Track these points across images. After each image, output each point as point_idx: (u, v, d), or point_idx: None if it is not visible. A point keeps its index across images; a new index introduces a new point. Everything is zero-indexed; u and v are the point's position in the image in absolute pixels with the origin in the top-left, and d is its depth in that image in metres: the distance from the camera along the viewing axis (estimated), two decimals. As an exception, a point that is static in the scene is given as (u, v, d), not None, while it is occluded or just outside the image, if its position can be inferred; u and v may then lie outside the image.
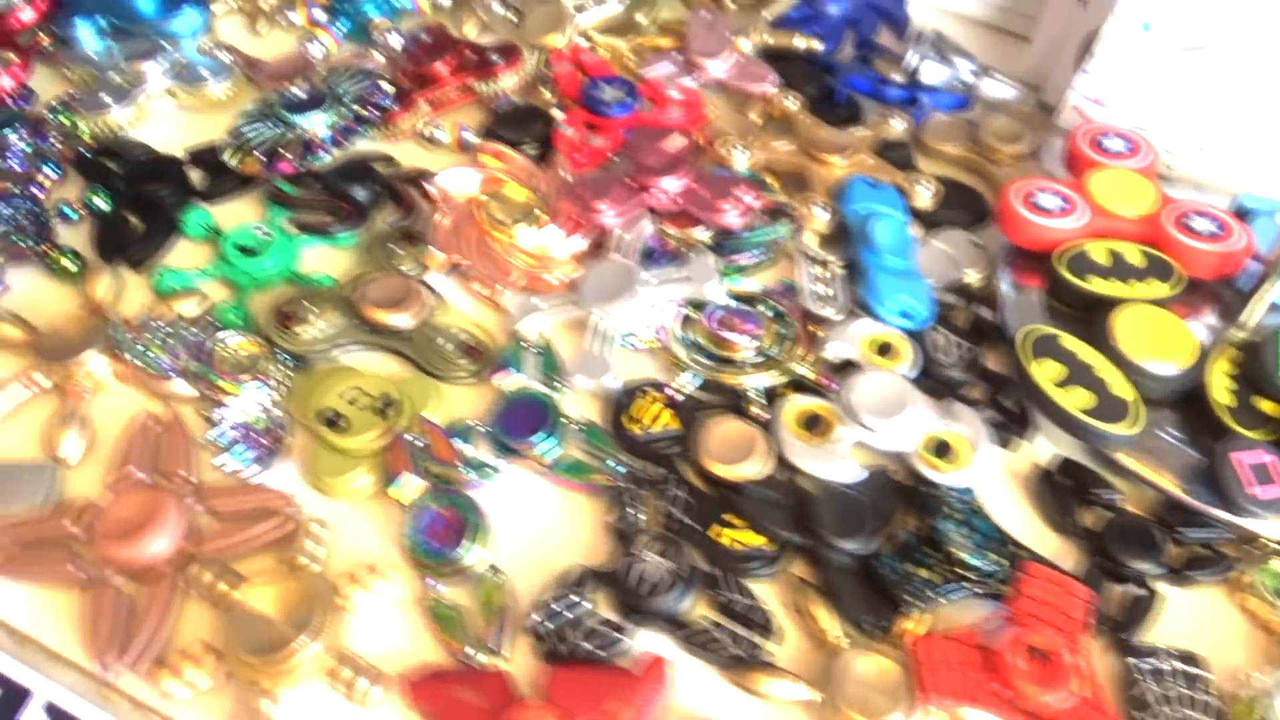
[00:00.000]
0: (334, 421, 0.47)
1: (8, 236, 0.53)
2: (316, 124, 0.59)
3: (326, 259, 0.56)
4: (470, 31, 0.69)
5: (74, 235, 0.56)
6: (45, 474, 0.46)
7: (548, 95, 0.65)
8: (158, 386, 0.49)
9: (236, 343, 0.49)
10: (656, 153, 0.58)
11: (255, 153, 0.58)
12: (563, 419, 0.48)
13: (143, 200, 0.57)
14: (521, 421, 0.48)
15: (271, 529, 0.43)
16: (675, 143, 0.59)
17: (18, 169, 0.58)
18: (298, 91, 0.60)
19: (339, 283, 0.53)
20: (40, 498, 0.45)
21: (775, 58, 0.68)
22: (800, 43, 0.69)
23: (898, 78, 0.68)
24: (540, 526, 0.46)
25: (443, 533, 0.44)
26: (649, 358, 0.53)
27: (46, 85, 0.65)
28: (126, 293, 0.54)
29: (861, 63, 0.69)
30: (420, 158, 0.61)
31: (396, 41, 0.67)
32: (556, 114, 0.63)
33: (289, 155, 0.58)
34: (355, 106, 0.60)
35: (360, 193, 0.57)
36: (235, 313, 0.52)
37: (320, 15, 0.70)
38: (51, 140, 0.60)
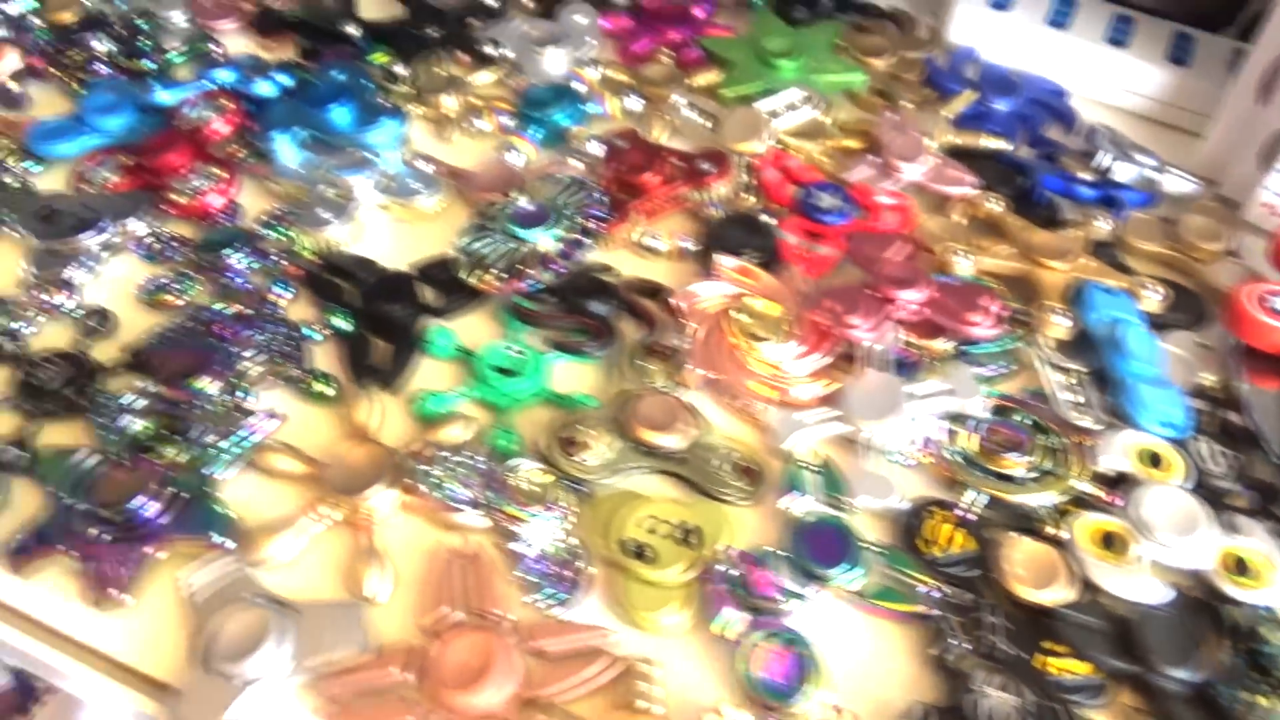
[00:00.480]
0: (641, 553, 0.46)
1: (271, 362, 0.52)
2: (545, 237, 0.59)
3: (569, 376, 0.55)
4: (660, 136, 0.69)
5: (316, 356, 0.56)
6: (356, 614, 0.44)
7: (751, 201, 0.65)
8: (445, 518, 0.48)
9: (528, 471, 0.48)
10: (889, 262, 0.58)
11: (494, 270, 0.57)
12: (861, 543, 0.47)
13: (379, 319, 0.57)
14: (822, 547, 0.47)
15: (604, 669, 0.42)
16: (900, 250, 0.59)
17: (244, 289, 0.58)
18: (524, 204, 0.60)
19: (602, 403, 0.53)
20: (358, 641, 0.44)
21: (959, 157, 0.69)
22: (989, 142, 0.69)
23: (1086, 175, 0.68)
24: (854, 656, 0.45)
25: (780, 670, 0.43)
26: (915, 474, 0.52)
27: (247, 200, 0.65)
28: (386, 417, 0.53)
29: (1047, 160, 0.70)
30: (637, 267, 0.61)
31: (596, 149, 0.67)
32: (770, 221, 0.63)
33: (530, 271, 0.57)
34: (579, 219, 0.60)
35: (599, 307, 0.57)
36: (506, 438, 0.51)
37: (508, 121, 0.70)
38: (274, 258, 0.60)
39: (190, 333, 0.53)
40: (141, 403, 0.49)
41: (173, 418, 0.49)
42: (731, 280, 0.57)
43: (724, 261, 0.58)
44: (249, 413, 0.50)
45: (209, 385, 0.49)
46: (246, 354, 0.52)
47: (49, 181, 0.65)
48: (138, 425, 0.48)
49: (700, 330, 0.55)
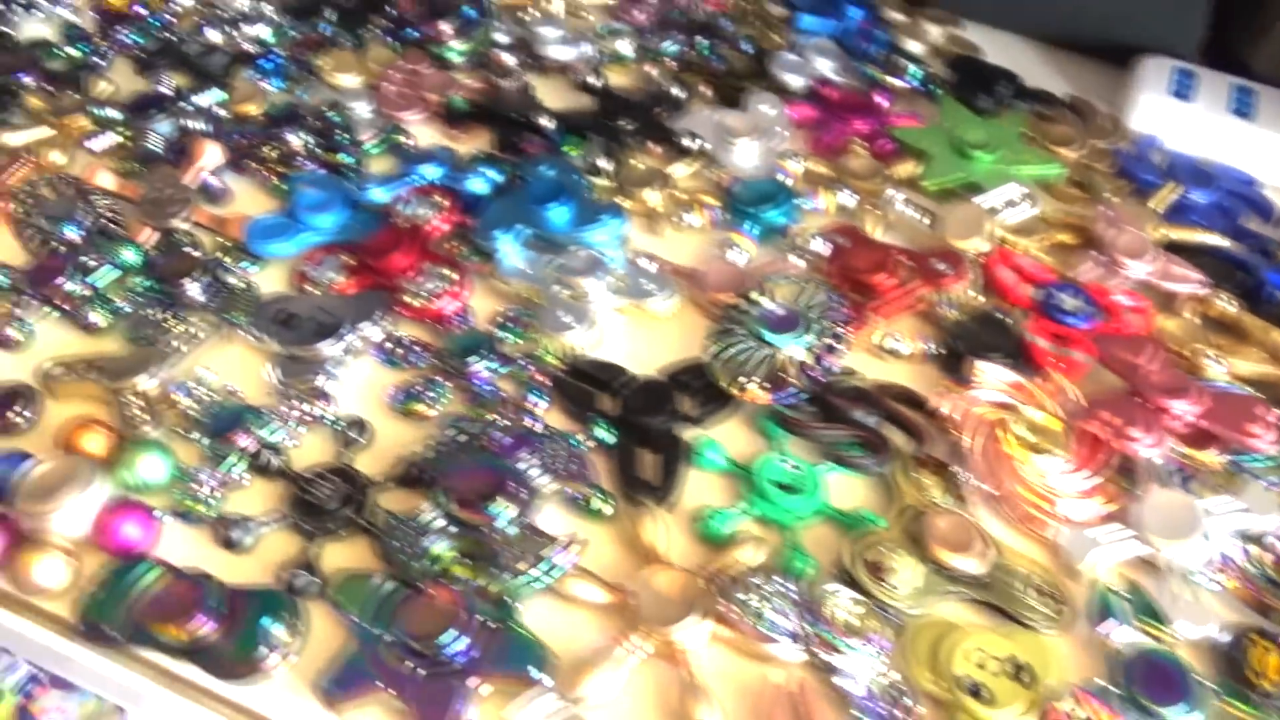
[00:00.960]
0: (977, 691, 0.44)
1: (557, 480, 0.50)
2: (796, 344, 0.57)
3: (834, 489, 0.53)
4: (874, 231, 0.68)
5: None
6: (694, 758, 0.42)
7: (980, 300, 0.63)
8: (757, 649, 0.46)
9: (846, 599, 0.46)
10: (1150, 369, 0.56)
11: (755, 378, 0.55)
12: (1195, 676, 0.45)
13: (639, 429, 0.55)
14: (1156, 683, 0.44)
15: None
16: (1154, 355, 0.57)
17: (498, 398, 0.56)
18: (772, 308, 0.58)
19: (889, 522, 0.51)
20: (704, 789, 0.41)
21: (1172, 252, 0.67)
22: (1207, 237, 0.68)
23: (1301, 270, 0.66)
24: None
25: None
26: (1218, 597, 0.50)
27: (473, 300, 0.63)
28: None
29: (1262, 255, 0.68)
30: (878, 371, 0.59)
31: (820, 246, 0.65)
32: (1009, 322, 0.61)
33: (790, 379, 0.55)
34: (827, 323, 0.58)
35: (864, 417, 0.55)
36: (802, 560, 0.49)
37: (719, 216, 0.68)
38: (519, 363, 0.58)
39: (464, 447, 0.51)
40: (440, 524, 0.47)
41: (474, 541, 0.47)
42: (1002, 391, 0.55)
43: (990, 370, 0.55)
44: (549, 537, 0.47)
45: (507, 508, 0.47)
46: (534, 472, 0.49)
47: (267, 281, 0.63)
48: (440, 549, 0.46)
49: (976, 442, 0.53)
